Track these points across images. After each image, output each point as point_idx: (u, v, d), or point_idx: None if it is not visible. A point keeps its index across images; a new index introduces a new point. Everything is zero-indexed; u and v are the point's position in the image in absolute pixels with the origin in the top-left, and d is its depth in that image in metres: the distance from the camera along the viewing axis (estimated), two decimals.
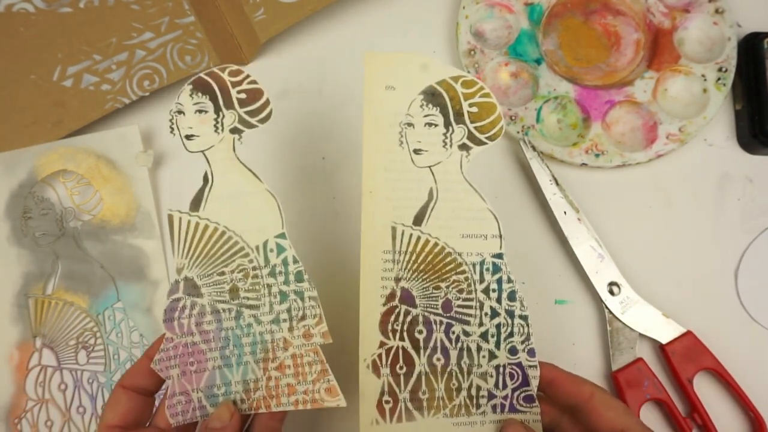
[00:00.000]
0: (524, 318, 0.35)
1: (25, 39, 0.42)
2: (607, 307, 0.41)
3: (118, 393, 0.33)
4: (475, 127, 0.35)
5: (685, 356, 0.41)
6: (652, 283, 0.43)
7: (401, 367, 0.35)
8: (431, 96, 0.35)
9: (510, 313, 0.35)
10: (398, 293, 0.35)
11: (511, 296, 0.35)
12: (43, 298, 0.42)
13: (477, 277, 0.35)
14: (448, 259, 0.35)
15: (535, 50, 0.47)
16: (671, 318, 0.41)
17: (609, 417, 0.32)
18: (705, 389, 0.41)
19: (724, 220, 0.44)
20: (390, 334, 0.35)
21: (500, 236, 0.35)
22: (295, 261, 0.35)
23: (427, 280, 0.35)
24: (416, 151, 0.35)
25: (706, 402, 0.40)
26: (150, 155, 0.44)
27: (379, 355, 0.35)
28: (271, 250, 0.35)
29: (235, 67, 0.35)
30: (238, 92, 0.35)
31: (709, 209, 0.45)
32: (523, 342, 0.35)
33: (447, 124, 0.35)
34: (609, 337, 0.41)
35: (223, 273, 0.35)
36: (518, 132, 0.45)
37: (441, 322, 0.35)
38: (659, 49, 0.46)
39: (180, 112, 0.35)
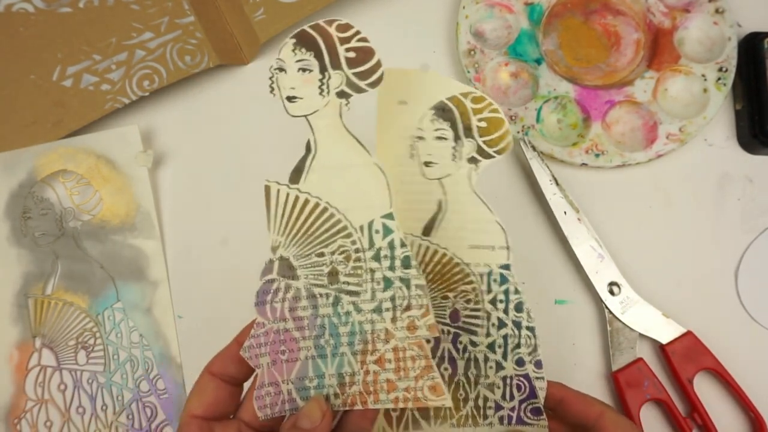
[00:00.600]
0: (531, 329, 0.35)
1: (25, 39, 0.42)
2: (607, 307, 0.41)
3: (205, 380, 0.31)
4: (484, 141, 0.36)
5: (685, 356, 0.41)
6: (653, 283, 0.43)
7: None
8: (442, 111, 0.35)
9: (517, 324, 0.35)
10: None
11: (518, 307, 0.35)
12: (43, 298, 0.42)
13: (484, 287, 0.35)
14: (456, 269, 0.35)
15: (535, 50, 0.47)
16: (671, 318, 0.41)
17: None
18: (705, 389, 0.41)
19: (724, 220, 0.44)
20: None
21: (507, 248, 0.35)
22: (403, 245, 0.31)
23: (436, 290, 0.35)
24: (427, 164, 0.35)
25: (706, 402, 0.40)
26: (150, 155, 0.44)
27: None
28: (377, 231, 0.31)
29: (344, 22, 0.31)
30: (347, 50, 0.31)
31: (709, 209, 0.45)
32: (530, 353, 0.35)
33: (456, 138, 0.36)
34: (609, 337, 0.41)
35: (322, 254, 0.32)
36: (518, 132, 0.45)
37: (449, 332, 0.35)
38: (659, 49, 0.46)
39: (281, 69, 0.31)
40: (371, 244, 0.31)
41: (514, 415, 0.34)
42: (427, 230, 0.35)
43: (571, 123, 0.46)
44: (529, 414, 0.34)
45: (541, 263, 0.44)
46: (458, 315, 0.35)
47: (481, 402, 0.35)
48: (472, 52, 0.46)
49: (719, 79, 0.45)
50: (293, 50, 0.31)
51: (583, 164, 0.44)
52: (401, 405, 0.31)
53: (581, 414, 0.33)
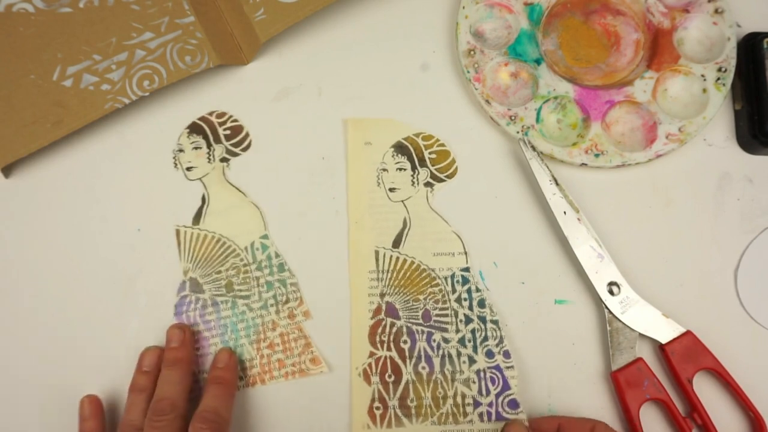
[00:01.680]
0: (495, 322, 0.40)
1: (25, 39, 0.43)
2: (606, 307, 0.42)
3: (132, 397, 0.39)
4: (436, 169, 0.44)
5: (684, 356, 0.41)
6: (652, 283, 0.43)
7: (390, 376, 0.39)
8: (400, 148, 0.44)
9: (482, 319, 0.40)
10: (383, 307, 0.41)
11: (481, 303, 0.41)
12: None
13: (449, 288, 0.41)
14: (424, 274, 0.41)
15: (535, 50, 0.47)
16: (671, 318, 0.41)
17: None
18: (705, 389, 0.41)
19: (724, 220, 0.45)
20: (378, 345, 0.40)
21: (465, 253, 0.42)
22: (277, 255, 0.42)
23: (407, 293, 0.41)
24: (391, 190, 0.43)
25: (705, 402, 0.40)
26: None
27: (369, 365, 0.40)
28: (257, 249, 0.43)
29: (220, 111, 0.45)
30: (224, 129, 0.45)
31: (708, 209, 0.45)
32: (497, 345, 0.40)
33: (413, 168, 0.44)
34: (609, 337, 0.41)
35: (219, 271, 0.42)
36: (518, 132, 0.45)
37: (422, 332, 0.40)
38: (659, 49, 0.46)
39: (181, 150, 0.44)
40: (254, 258, 0.42)
41: (493, 410, 0.38)
42: (396, 243, 0.42)
43: (570, 123, 0.46)
44: (506, 408, 0.39)
45: (541, 263, 0.44)
46: (429, 315, 0.40)
47: (459, 399, 0.39)
48: (472, 52, 0.46)
49: (719, 79, 0.45)
50: (188, 136, 0.45)
51: (583, 164, 0.44)
52: (290, 378, 0.40)
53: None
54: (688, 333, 0.41)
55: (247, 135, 0.45)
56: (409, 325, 0.40)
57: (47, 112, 0.42)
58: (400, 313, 0.40)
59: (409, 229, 0.43)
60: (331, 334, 0.41)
